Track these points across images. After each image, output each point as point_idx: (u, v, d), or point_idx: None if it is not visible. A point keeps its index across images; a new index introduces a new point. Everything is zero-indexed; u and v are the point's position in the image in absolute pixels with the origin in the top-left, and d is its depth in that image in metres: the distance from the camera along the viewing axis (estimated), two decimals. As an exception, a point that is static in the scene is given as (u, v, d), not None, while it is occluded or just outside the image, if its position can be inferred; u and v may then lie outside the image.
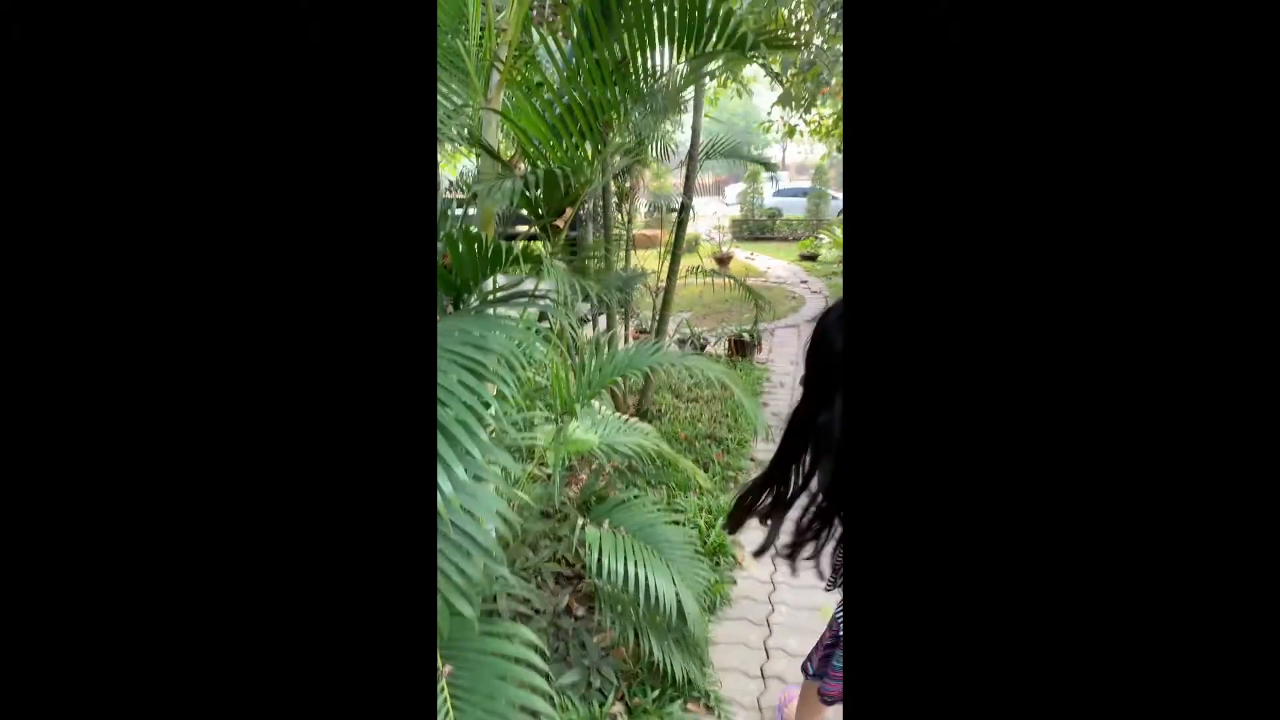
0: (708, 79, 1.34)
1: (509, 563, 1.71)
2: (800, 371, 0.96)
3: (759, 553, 0.96)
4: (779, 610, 1.80)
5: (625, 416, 1.96)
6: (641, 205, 4.33)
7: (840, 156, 10.07)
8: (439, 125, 1.21)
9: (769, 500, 0.95)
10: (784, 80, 4.17)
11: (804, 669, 1.26)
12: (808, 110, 5.32)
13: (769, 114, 5.68)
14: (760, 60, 1.15)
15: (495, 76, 1.28)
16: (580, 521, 1.57)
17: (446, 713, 0.96)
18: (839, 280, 7.61)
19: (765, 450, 2.75)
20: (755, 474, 1.01)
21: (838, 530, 0.89)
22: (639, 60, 1.18)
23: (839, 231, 9.12)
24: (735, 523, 1.02)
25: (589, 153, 1.32)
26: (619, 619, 1.53)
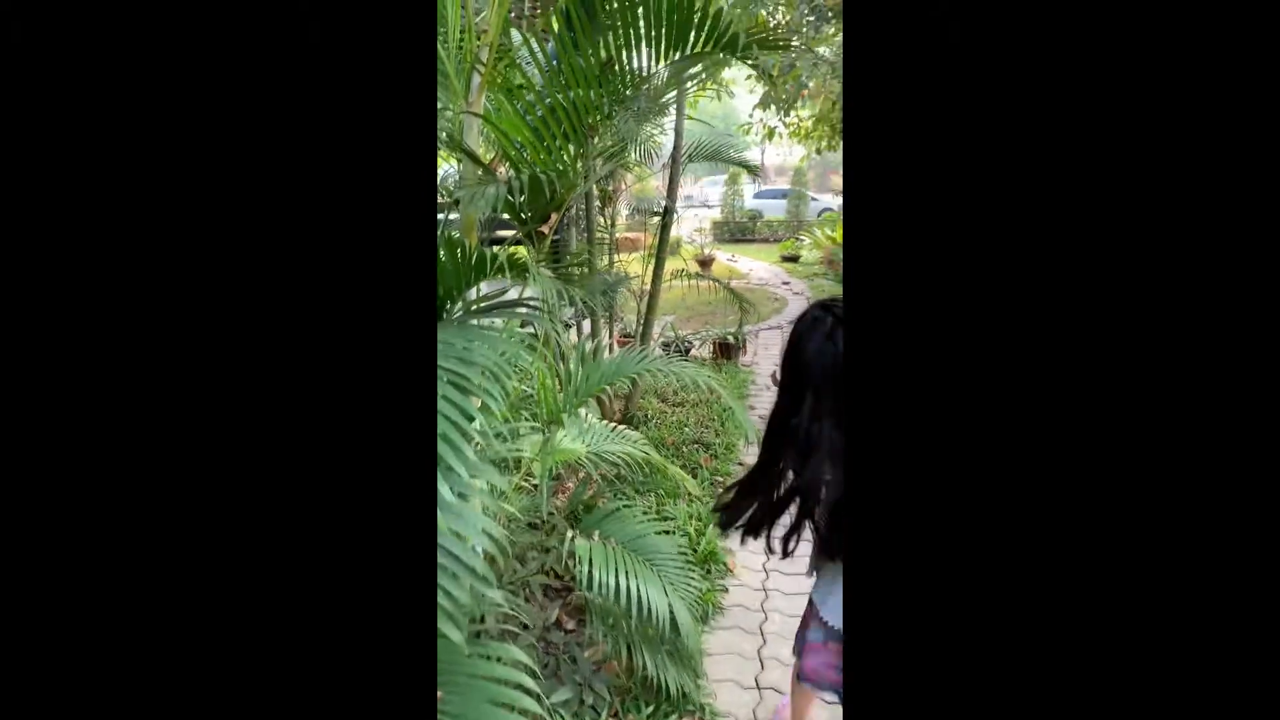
0: (691, 80, 1.32)
1: (496, 576, 1.67)
2: (776, 373, 1.01)
3: (744, 536, 1.03)
4: (772, 618, 1.78)
5: (612, 423, 1.93)
6: (623, 208, 4.31)
7: (819, 159, 10.16)
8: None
9: (757, 505, 0.99)
10: (776, 81, 4.17)
11: (793, 651, 1.26)
12: (788, 113, 5.35)
13: (750, 116, 5.69)
14: (753, 61, 1.12)
15: (476, 79, 1.25)
16: (570, 533, 1.54)
17: (436, 742, 0.92)
18: (821, 281, 7.65)
19: (753, 454, 2.74)
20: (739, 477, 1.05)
21: (817, 518, 0.93)
22: (624, 61, 1.15)
23: (819, 233, 9.18)
24: (725, 524, 1.04)
25: (572, 156, 1.29)
26: (610, 632, 1.50)
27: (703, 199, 15.08)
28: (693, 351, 4.24)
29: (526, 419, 1.73)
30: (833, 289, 7.00)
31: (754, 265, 9.13)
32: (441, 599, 0.83)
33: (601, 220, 3.18)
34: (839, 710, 1.44)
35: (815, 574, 1.09)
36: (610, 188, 3.18)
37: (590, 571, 1.38)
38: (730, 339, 4.27)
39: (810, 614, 1.11)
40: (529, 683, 1.00)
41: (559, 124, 1.21)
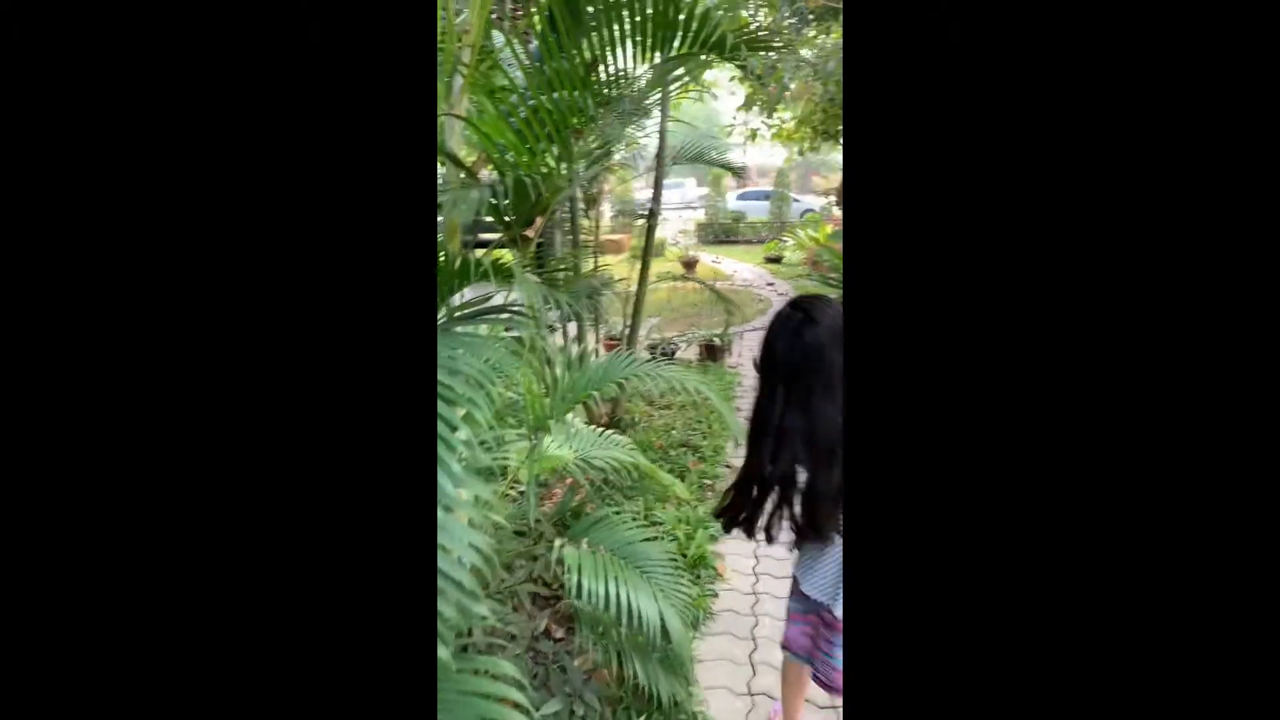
0: (676, 82, 1.31)
1: (484, 586, 1.64)
2: (756, 359, 1.11)
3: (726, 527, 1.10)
4: (763, 623, 1.77)
5: (599, 428, 1.91)
6: (607, 210, 4.29)
7: (801, 160, 10.22)
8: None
9: (745, 499, 1.05)
10: (765, 82, 4.18)
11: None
12: (771, 114, 5.36)
13: (734, 118, 5.70)
14: (742, 61, 1.11)
15: (458, 81, 1.22)
16: (558, 541, 1.51)
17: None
18: (804, 283, 7.68)
19: (740, 456, 2.73)
20: (734, 478, 1.10)
21: (792, 502, 1.01)
22: (609, 62, 1.13)
23: (802, 234, 9.22)
24: (727, 526, 1.09)
25: (557, 158, 1.27)
26: (600, 640, 1.47)
27: (685, 201, 15.10)
28: (678, 353, 4.23)
29: (513, 425, 1.71)
30: (816, 290, 7.03)
31: (738, 267, 9.16)
32: (428, 616, 0.80)
33: (586, 222, 3.16)
34: (832, 714, 1.43)
35: (797, 551, 1.16)
36: (595, 190, 3.16)
37: (579, 579, 1.35)
38: (716, 341, 4.27)
39: (793, 587, 1.19)
40: (519, 697, 0.97)
41: (543, 126, 1.19)
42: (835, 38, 4.98)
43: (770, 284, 7.80)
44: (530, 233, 1.34)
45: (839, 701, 1.43)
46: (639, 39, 1.13)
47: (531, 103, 1.19)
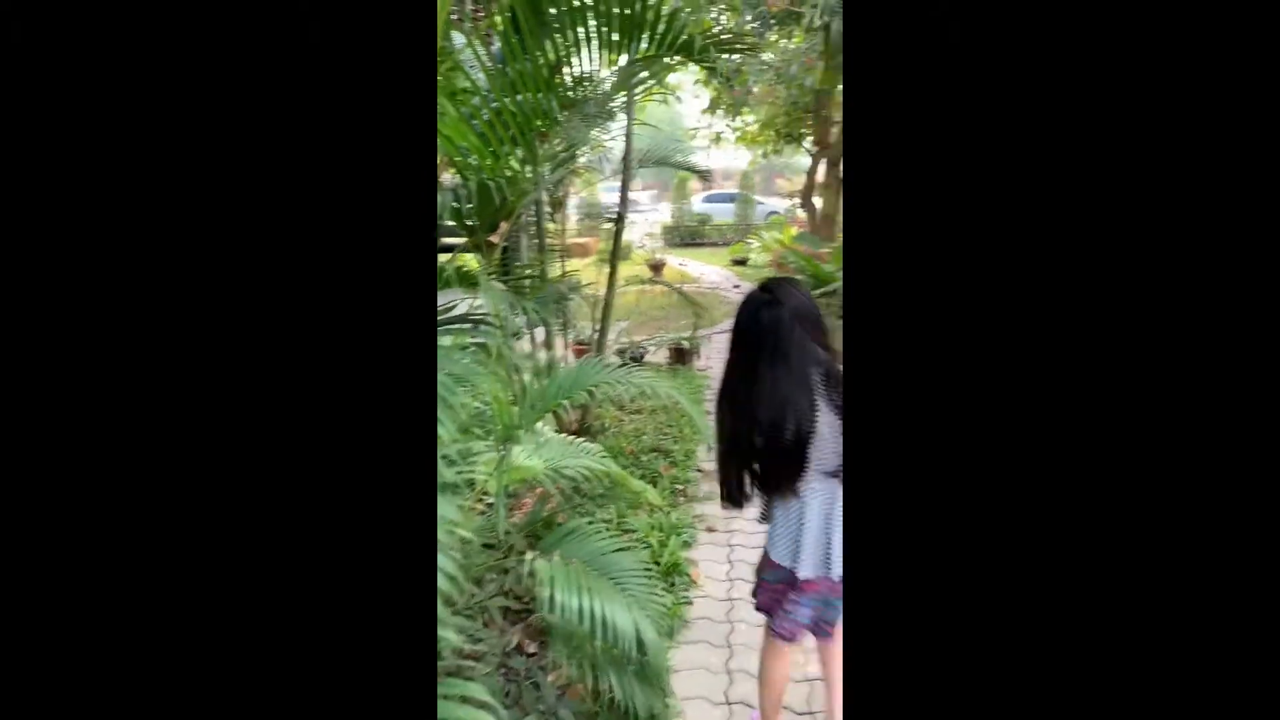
0: (641, 84, 1.29)
1: (450, 604, 1.59)
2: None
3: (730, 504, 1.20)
4: (738, 629, 1.75)
5: (569, 435, 1.88)
6: (573, 213, 4.26)
7: (765, 162, 10.32)
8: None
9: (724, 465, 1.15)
10: (730, 85, 4.21)
11: (751, 594, 1.38)
12: (734, 117, 5.40)
13: (699, 121, 5.72)
14: (710, 63, 1.09)
15: (416, 81, 1.18)
16: (529, 553, 1.48)
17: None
18: (771, 283, 7.73)
19: (712, 460, 2.73)
20: (707, 480, 1.18)
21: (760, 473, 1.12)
22: (574, 64, 1.10)
23: (767, 236, 9.30)
24: (735, 503, 1.19)
25: (521, 162, 1.24)
26: (574, 655, 1.44)
27: (648, 204, 15.14)
28: (647, 357, 4.21)
29: (480, 436, 1.66)
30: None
31: (705, 269, 9.19)
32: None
33: (552, 226, 3.12)
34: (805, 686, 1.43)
35: (767, 522, 1.24)
36: (560, 193, 3.12)
37: (551, 592, 1.32)
38: (684, 344, 4.26)
39: (764, 560, 1.27)
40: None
41: (506, 129, 1.16)
42: (797, 41, 5.04)
43: (736, 286, 7.83)
44: (495, 238, 1.30)
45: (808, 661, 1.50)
46: (604, 40, 1.11)
47: (495, 105, 1.15)
